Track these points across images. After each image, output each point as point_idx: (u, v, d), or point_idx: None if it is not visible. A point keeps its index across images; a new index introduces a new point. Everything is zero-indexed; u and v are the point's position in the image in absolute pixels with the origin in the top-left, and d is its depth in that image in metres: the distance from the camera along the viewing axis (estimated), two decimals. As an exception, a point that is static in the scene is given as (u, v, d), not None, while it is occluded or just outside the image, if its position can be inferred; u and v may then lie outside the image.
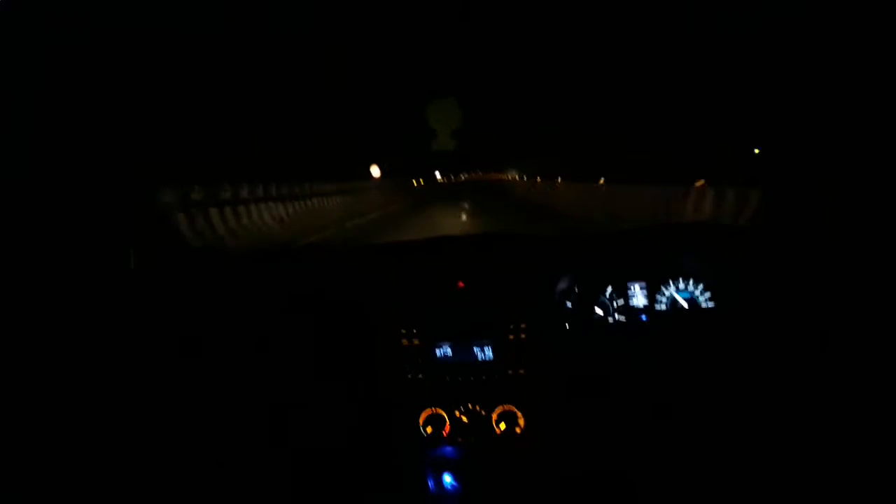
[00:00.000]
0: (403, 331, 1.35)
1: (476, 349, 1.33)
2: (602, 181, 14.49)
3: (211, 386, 1.34)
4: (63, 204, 1.25)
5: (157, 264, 1.47)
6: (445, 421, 1.30)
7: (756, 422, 1.25)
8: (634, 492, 1.26)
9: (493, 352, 1.33)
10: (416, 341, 1.34)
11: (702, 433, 1.28)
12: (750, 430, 1.24)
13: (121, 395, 1.26)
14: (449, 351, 1.34)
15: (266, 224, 11.19)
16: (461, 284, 1.38)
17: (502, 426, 1.27)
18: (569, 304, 1.37)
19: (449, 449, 1.29)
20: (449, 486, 1.24)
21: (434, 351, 1.34)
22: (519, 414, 1.28)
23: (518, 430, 1.27)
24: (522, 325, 1.32)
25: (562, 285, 1.37)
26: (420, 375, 1.33)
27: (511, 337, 1.32)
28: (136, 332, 1.31)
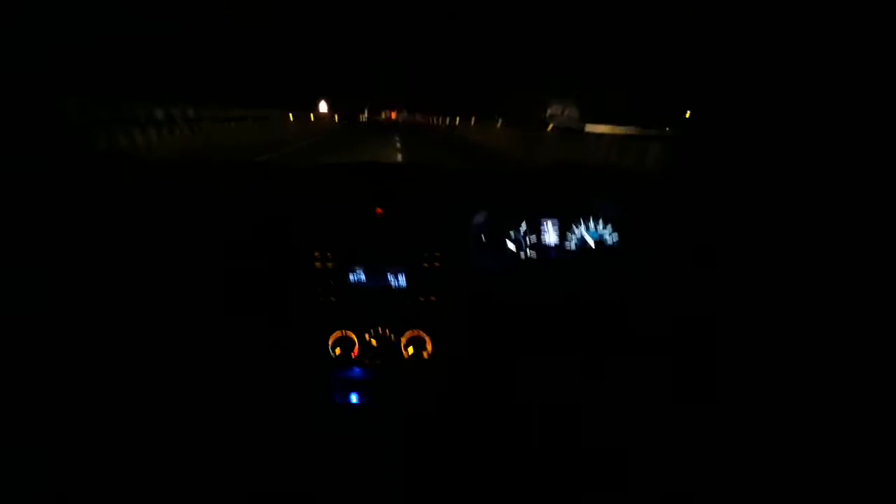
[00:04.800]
0: (317, 253, 1.32)
1: (390, 275, 1.34)
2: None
3: (119, 298, 1.28)
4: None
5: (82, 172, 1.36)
6: (355, 343, 1.31)
7: (654, 351, 1.36)
8: (530, 418, 1.36)
9: (406, 279, 1.34)
10: (329, 265, 1.32)
11: (601, 360, 1.38)
12: (647, 359, 1.36)
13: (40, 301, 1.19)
14: (362, 276, 1.33)
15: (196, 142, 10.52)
16: (379, 211, 1.35)
17: (410, 350, 1.31)
18: (483, 238, 1.39)
19: (357, 370, 1.31)
20: (354, 403, 1.28)
21: (347, 275, 1.33)
22: (427, 339, 1.32)
23: (425, 354, 1.32)
24: (437, 255, 1.34)
25: (478, 219, 1.39)
26: (332, 298, 1.33)
27: (425, 265, 1.34)
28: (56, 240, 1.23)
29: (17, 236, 1.16)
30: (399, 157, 12.27)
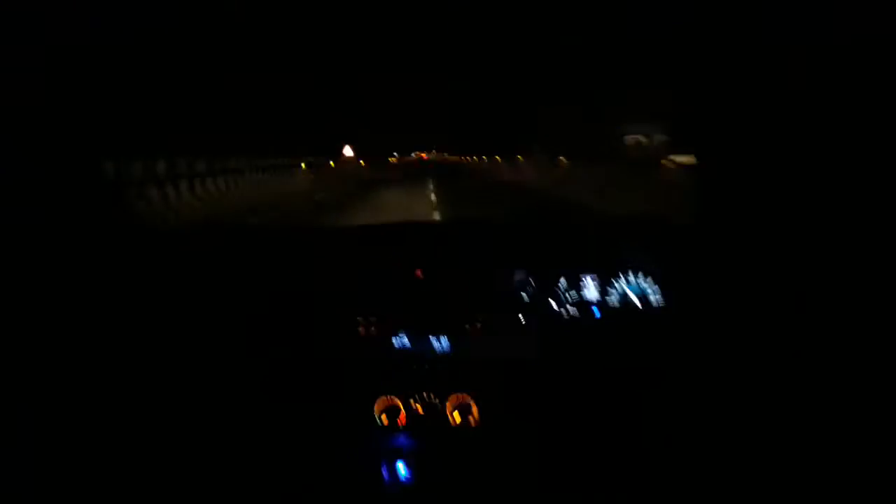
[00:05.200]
0: (360, 318, 1.35)
1: (433, 339, 1.35)
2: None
3: (154, 376, 1.30)
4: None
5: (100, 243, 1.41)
6: (400, 410, 1.31)
7: (707, 416, 1.28)
8: (587, 486, 1.30)
9: (448, 342, 1.34)
10: (373, 329, 1.34)
11: (656, 426, 1.31)
12: (702, 425, 1.28)
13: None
14: (406, 340, 1.35)
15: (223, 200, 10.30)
16: (419, 273, 1.38)
17: (457, 417, 1.30)
18: (524, 296, 1.39)
19: (403, 438, 1.30)
20: (402, 477, 1.25)
21: (391, 339, 1.35)
22: (473, 405, 1.30)
23: (473, 420, 1.30)
24: (479, 316, 1.34)
25: (518, 277, 1.39)
26: (376, 364, 1.34)
27: (467, 327, 1.34)
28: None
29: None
30: (434, 209, 10.60)
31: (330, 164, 22.63)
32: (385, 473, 1.25)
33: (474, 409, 1.30)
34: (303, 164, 19.56)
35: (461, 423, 1.29)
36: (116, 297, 1.32)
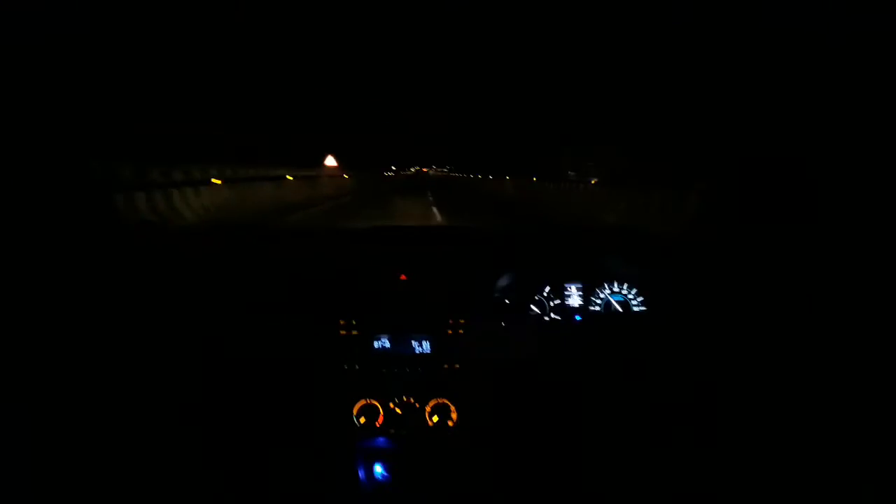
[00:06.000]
0: (342, 321, 1.34)
1: (414, 342, 1.35)
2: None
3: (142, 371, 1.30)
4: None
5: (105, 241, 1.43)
6: (379, 412, 1.31)
7: (683, 420, 1.31)
8: (560, 487, 1.30)
9: (430, 345, 1.34)
10: (354, 332, 1.34)
11: (631, 430, 1.33)
12: (677, 429, 1.30)
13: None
14: (387, 343, 1.35)
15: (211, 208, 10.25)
16: (403, 277, 1.38)
17: (435, 419, 1.30)
18: (507, 302, 1.40)
19: (381, 440, 1.30)
20: (380, 477, 1.25)
21: (372, 342, 1.35)
22: (452, 407, 1.31)
23: (451, 423, 1.30)
24: (461, 321, 1.34)
25: (501, 282, 1.40)
26: (356, 366, 1.34)
27: (449, 332, 1.34)
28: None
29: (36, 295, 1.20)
30: (438, 218, 10.74)
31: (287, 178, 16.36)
32: (362, 473, 1.26)
33: (452, 412, 1.30)
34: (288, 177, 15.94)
35: (438, 423, 1.29)
36: (112, 294, 1.32)
